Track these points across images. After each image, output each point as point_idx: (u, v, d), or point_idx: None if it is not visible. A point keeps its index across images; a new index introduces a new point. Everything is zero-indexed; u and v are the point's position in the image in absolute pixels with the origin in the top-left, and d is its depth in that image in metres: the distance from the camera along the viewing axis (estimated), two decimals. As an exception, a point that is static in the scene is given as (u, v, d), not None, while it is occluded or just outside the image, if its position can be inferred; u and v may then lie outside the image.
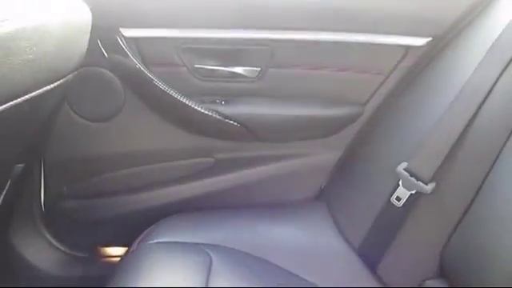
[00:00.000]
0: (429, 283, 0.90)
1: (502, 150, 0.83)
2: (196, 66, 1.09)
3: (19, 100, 0.61)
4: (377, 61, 1.09)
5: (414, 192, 0.92)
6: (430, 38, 1.05)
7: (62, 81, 0.76)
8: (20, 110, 0.63)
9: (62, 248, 1.22)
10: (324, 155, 1.18)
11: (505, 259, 0.75)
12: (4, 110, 0.58)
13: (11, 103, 0.59)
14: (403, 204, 0.93)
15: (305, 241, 1.08)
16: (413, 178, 0.92)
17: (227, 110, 1.10)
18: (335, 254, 1.05)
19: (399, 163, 0.94)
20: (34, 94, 0.65)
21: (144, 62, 1.08)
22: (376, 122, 1.12)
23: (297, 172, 1.18)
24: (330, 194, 1.18)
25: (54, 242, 1.21)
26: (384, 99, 1.11)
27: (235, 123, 1.10)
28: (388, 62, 1.09)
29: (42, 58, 0.65)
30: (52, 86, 0.72)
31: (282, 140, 1.15)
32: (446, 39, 1.04)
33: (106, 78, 1.08)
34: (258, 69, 1.10)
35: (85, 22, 0.82)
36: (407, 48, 1.07)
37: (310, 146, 1.17)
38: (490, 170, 0.84)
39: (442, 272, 0.90)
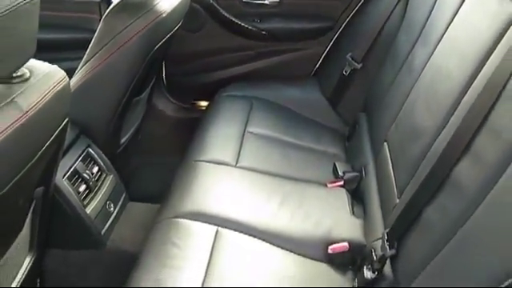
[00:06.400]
0: (359, 114, 1.71)
1: (396, 33, 1.55)
2: (244, 0, 1.87)
3: (172, 31, 1.45)
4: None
5: (352, 68, 1.71)
6: (372, -18, 1.76)
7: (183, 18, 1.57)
8: (171, 37, 1.47)
9: (175, 101, 2.05)
10: (317, 48, 1.95)
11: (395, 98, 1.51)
12: (166, 39, 1.43)
13: (168, 35, 1.43)
14: (348, 74, 1.73)
15: (304, 95, 1.90)
16: (353, 61, 1.71)
17: (261, 25, 1.89)
18: (318, 101, 1.87)
19: (349, 53, 1.73)
20: (175, 28, 1.49)
21: (215, -2, 1.87)
22: (343, 30, 1.88)
23: (301, 58, 1.96)
24: (319, 72, 1.98)
25: (170, 98, 2.04)
26: (348, 16, 1.86)
27: (265, 32, 1.89)
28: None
29: (179, 12, 1.47)
30: (182, 21, 1.54)
31: (291, 40, 1.94)
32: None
33: (195, 8, 1.86)
34: (278, 0, 1.87)
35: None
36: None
37: (309, 43, 1.94)
38: (389, 48, 1.59)
39: (365, 109, 1.71)
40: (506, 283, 0.64)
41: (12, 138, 0.69)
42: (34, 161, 0.80)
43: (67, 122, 0.92)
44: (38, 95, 0.76)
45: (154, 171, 1.91)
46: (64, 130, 0.92)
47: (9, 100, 0.71)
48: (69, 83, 0.87)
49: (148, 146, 2.00)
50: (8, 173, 0.73)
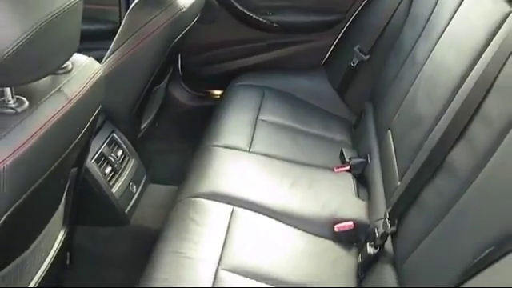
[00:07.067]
0: (366, 103, 1.80)
1: (402, 27, 1.65)
2: (256, -6, 1.96)
3: (190, 24, 1.54)
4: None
5: (359, 60, 1.79)
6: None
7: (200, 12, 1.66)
8: (189, 30, 1.56)
9: (190, 91, 2.15)
10: (326, 41, 2.04)
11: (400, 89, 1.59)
12: (185, 31, 1.52)
13: (187, 28, 1.53)
14: (355, 65, 1.82)
15: (313, 85, 1.99)
16: (360, 53, 1.79)
17: (272, 17, 1.98)
18: (326, 91, 1.96)
19: (356, 45, 1.81)
20: (193, 21, 1.58)
21: (229, -8, 1.95)
22: (351, 23, 1.96)
23: (311, 50, 2.05)
24: (328, 63, 2.06)
25: (185, 87, 2.14)
26: (356, 10, 1.93)
27: (276, 24, 1.98)
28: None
29: (197, 6, 1.55)
30: (199, 14, 1.63)
31: (301, 32, 2.02)
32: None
33: (210, 1, 1.94)
34: (290, -4, 1.96)
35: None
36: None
37: (318, 35, 2.02)
38: (395, 42, 1.66)
39: (371, 99, 1.79)
40: (488, 251, 0.73)
41: (60, 122, 0.79)
42: (74, 143, 0.90)
43: (100, 108, 1.02)
44: (80, 85, 0.86)
45: (170, 156, 2.02)
46: (97, 115, 1.01)
47: (56, 89, 0.81)
48: (103, 75, 0.97)
49: (164, 132, 2.10)
50: (55, 153, 0.83)
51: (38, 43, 0.69)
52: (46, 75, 0.78)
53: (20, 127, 0.72)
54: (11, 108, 0.73)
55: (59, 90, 0.81)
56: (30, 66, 0.71)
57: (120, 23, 2.00)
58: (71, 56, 0.81)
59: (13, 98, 0.73)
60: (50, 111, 0.78)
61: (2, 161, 0.68)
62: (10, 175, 0.70)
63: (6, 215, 0.73)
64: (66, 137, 0.87)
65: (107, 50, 1.41)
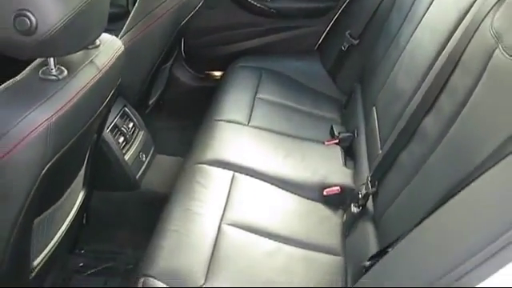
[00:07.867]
0: (355, 85, 1.94)
1: (389, 12, 1.79)
2: (256, -19, 2.10)
3: (196, 9, 1.69)
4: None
5: (350, 44, 1.94)
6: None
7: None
8: (195, 13, 1.70)
9: (192, 72, 2.29)
10: (319, 26, 2.18)
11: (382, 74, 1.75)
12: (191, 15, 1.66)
13: (193, 12, 1.66)
14: (346, 49, 1.96)
15: (307, 67, 2.13)
16: (351, 38, 1.94)
17: (270, 4, 2.12)
18: (319, 73, 2.11)
19: (347, 30, 1.96)
20: (199, 6, 1.72)
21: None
22: (343, 10, 2.10)
23: (305, 35, 2.19)
24: (321, 46, 2.21)
25: (188, 68, 2.28)
26: (348, -3, 2.09)
27: (274, 10, 2.12)
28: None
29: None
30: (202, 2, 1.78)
31: (297, 18, 2.16)
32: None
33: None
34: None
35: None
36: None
37: (312, 21, 2.16)
38: (383, 26, 1.81)
39: (360, 80, 1.94)
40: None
41: (92, 89, 0.94)
42: (100, 109, 1.05)
43: (120, 81, 1.16)
44: (106, 58, 1.01)
45: (173, 132, 2.16)
46: (118, 87, 1.16)
47: (89, 61, 0.95)
48: (124, 51, 1.11)
49: (168, 109, 2.25)
50: (87, 116, 0.98)
51: (79, 20, 0.83)
52: (83, 48, 0.92)
53: (61, 92, 0.87)
54: (54, 75, 0.88)
55: (91, 61, 0.96)
56: (72, 39, 0.86)
57: (127, 7, 2.15)
58: (102, 32, 0.96)
59: (55, 66, 0.88)
60: (85, 79, 0.92)
61: (49, 118, 0.83)
62: (54, 130, 0.85)
63: (49, 164, 0.88)
64: (95, 103, 1.02)
65: (116, 31, 1.55)
